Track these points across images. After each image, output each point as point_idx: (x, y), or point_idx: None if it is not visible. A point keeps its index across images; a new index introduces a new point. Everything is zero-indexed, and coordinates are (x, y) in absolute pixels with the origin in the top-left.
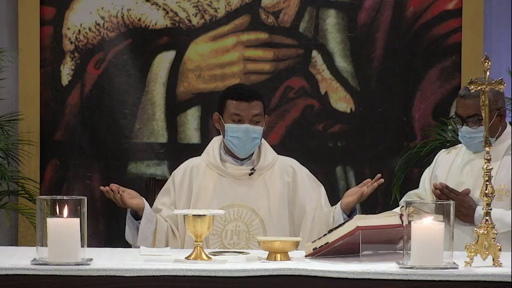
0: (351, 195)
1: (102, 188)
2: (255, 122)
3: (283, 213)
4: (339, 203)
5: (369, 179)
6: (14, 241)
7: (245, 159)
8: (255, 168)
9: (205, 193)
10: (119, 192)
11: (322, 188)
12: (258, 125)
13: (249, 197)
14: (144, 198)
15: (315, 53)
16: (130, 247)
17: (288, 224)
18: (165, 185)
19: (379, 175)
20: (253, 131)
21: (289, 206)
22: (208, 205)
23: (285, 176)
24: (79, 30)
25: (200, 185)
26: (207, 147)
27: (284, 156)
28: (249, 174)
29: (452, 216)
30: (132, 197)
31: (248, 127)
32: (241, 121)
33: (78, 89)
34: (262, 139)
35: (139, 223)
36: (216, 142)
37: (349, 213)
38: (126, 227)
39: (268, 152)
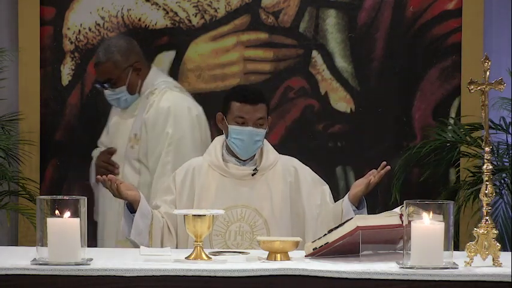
0: (359, 186)
1: (99, 177)
2: (258, 125)
3: (286, 213)
4: (347, 195)
5: (374, 170)
6: (14, 241)
7: (247, 159)
8: (257, 169)
9: (208, 194)
10: (116, 183)
11: (326, 186)
12: (262, 127)
13: (252, 197)
14: (141, 193)
15: (315, 53)
16: (130, 247)
17: (291, 223)
18: (165, 183)
19: (384, 162)
20: (257, 134)
21: (293, 205)
22: (211, 206)
23: (287, 176)
24: (79, 30)
25: (203, 185)
26: (208, 148)
27: (286, 156)
28: (252, 175)
29: (452, 216)
30: (128, 189)
31: (252, 130)
32: (245, 124)
33: (78, 89)
34: (264, 139)
35: (134, 216)
36: (218, 142)
37: (358, 205)
38: (122, 219)
39: (270, 152)
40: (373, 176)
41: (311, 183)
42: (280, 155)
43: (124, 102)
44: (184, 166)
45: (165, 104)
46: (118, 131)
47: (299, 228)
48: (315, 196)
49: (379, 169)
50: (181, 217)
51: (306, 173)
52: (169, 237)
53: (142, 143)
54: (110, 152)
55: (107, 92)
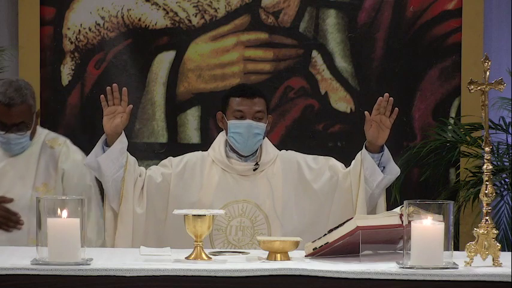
0: (368, 130)
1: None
2: (257, 118)
3: (287, 208)
4: (364, 144)
5: (366, 112)
6: None
7: (249, 156)
8: (258, 164)
9: (209, 188)
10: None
11: (332, 159)
12: (261, 121)
13: (253, 192)
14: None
15: (315, 53)
16: (131, 248)
17: (298, 212)
18: (163, 162)
19: (380, 98)
20: (256, 127)
21: (300, 195)
22: (213, 200)
23: (289, 169)
24: (79, 30)
25: (205, 179)
26: (213, 143)
27: (284, 151)
28: (254, 170)
29: (452, 216)
30: (113, 116)
31: (250, 123)
32: (244, 117)
33: (78, 89)
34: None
35: (114, 143)
36: (222, 138)
37: (380, 150)
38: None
39: (269, 148)
40: (377, 111)
41: (314, 166)
42: (279, 151)
43: (21, 148)
44: (186, 156)
45: (78, 156)
46: (9, 178)
47: (312, 212)
48: (323, 173)
49: (377, 105)
50: (153, 182)
51: (308, 161)
52: (140, 199)
53: (57, 193)
54: (5, 200)
55: (11, 136)
